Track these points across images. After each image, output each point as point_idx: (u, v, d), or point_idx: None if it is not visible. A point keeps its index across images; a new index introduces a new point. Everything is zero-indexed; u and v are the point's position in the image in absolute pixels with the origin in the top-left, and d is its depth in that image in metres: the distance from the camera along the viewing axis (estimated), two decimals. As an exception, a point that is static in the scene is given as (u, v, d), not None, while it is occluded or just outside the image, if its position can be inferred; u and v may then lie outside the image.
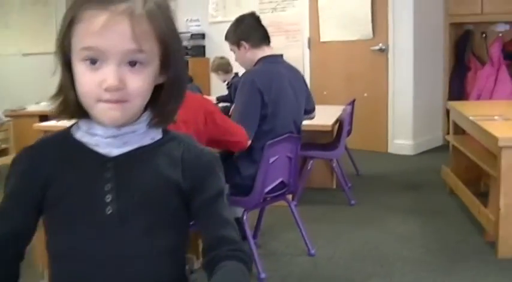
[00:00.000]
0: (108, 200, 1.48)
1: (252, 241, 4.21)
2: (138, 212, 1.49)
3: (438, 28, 8.72)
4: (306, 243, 4.59)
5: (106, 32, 1.36)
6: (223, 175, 1.59)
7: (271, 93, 4.27)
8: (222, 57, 7.51)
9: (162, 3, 1.45)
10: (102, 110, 1.42)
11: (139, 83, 1.42)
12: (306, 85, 4.85)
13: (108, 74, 1.38)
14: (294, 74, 4.64)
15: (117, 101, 1.40)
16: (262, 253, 4.56)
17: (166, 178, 1.52)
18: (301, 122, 4.63)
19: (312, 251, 4.58)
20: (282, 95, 4.36)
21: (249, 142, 4.12)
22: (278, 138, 4.17)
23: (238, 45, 4.51)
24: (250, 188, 4.16)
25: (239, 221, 4.35)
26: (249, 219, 4.23)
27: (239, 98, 4.32)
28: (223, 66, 7.48)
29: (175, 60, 1.47)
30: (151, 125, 1.52)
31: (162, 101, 1.50)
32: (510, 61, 8.51)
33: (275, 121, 4.30)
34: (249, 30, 4.50)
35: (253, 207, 4.34)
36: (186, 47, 9.90)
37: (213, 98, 7.80)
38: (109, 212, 1.47)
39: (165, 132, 1.58)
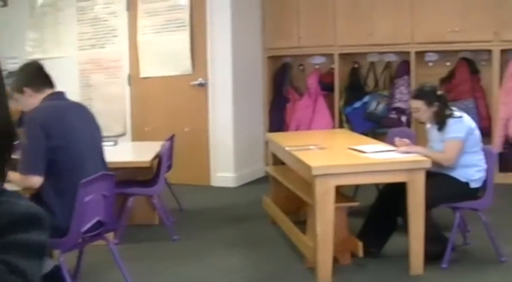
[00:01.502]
0: None
1: (70, 284, 4.10)
2: None
3: (256, 62, 8.95)
4: (128, 282, 4.53)
5: None
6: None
7: (55, 124, 4.28)
8: None
9: None
10: None
11: None
12: (99, 126, 4.79)
13: None
14: (82, 108, 4.70)
15: None
16: (83, 295, 4.46)
17: None
18: (102, 153, 4.59)
19: (134, 290, 4.51)
20: (70, 125, 4.36)
21: (39, 178, 4.14)
22: (92, 177, 4.11)
23: (22, 92, 4.52)
24: (67, 229, 4.07)
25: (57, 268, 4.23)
26: (66, 262, 4.12)
27: (24, 139, 4.31)
28: None
29: None
30: None
31: None
32: (327, 92, 8.85)
33: (71, 152, 4.27)
34: (30, 77, 4.56)
35: (71, 249, 4.23)
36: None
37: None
38: None
39: None
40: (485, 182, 5.05)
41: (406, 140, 5.22)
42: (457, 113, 5.05)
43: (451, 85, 8.22)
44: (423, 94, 5.13)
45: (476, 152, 5.05)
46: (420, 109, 5.12)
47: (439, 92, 5.14)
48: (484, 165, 5.05)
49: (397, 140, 5.25)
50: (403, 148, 5.02)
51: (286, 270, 4.92)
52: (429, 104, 5.07)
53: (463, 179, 4.99)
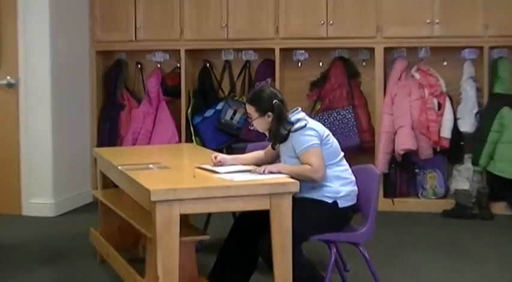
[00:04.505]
0: None
1: None
2: None
3: (83, 58, 8.87)
4: None
5: None
6: None
7: None
8: None
9: None
10: None
11: None
12: None
13: None
14: None
15: None
16: None
17: None
18: None
19: None
20: None
21: None
22: None
23: None
24: None
25: None
26: None
27: None
28: None
29: None
30: None
31: None
32: (171, 97, 8.83)
33: None
34: None
35: None
36: None
37: None
38: None
39: None
40: (358, 203, 5.12)
41: (223, 156, 5.32)
42: (299, 124, 5.00)
43: (324, 90, 8.41)
44: (256, 100, 5.12)
45: (336, 163, 5.07)
46: (253, 116, 5.13)
47: (275, 101, 5.02)
48: (351, 178, 5.11)
49: (213, 157, 5.30)
50: (263, 167, 4.98)
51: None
52: (261, 112, 5.05)
53: (328, 199, 5.00)
